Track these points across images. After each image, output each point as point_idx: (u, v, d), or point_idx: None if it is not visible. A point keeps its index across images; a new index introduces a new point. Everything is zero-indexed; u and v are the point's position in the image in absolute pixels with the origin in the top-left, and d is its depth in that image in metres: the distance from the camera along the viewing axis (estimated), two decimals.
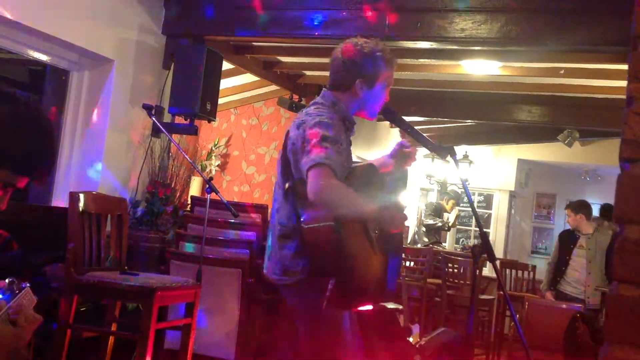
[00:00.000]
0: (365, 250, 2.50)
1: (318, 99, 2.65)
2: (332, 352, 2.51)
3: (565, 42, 4.22)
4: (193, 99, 4.80)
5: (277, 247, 2.54)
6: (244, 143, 7.95)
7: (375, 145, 8.63)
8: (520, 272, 7.60)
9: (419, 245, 8.62)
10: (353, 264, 2.41)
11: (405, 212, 2.72)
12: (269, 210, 3.53)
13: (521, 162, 10.32)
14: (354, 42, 2.62)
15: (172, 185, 5.01)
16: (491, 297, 7.50)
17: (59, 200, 4.69)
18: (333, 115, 2.52)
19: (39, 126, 1.57)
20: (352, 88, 2.59)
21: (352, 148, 2.68)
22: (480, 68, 5.73)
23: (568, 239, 6.52)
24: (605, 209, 6.80)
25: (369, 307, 2.58)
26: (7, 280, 1.72)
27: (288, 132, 2.57)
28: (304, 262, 2.45)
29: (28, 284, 1.77)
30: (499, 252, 9.83)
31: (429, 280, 6.95)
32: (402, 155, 2.76)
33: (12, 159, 1.51)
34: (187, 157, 4.41)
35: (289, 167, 2.52)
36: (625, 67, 1.48)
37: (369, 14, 4.50)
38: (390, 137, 9.03)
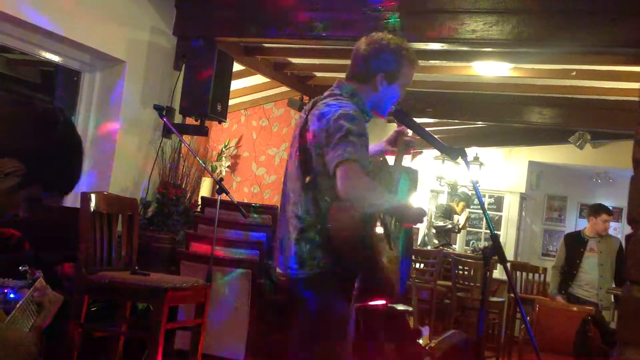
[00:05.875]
0: (384, 245, 2.49)
1: (335, 89, 2.59)
2: (338, 348, 2.49)
3: (576, 44, 4.20)
4: (204, 100, 4.82)
5: (293, 240, 2.47)
6: (254, 144, 7.97)
7: None
8: (531, 275, 7.57)
9: (429, 247, 8.59)
10: (377, 260, 2.39)
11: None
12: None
13: (532, 164, 10.27)
14: (381, 37, 2.58)
15: (183, 186, 5.02)
16: (502, 299, 7.48)
17: (71, 200, 4.71)
18: (354, 107, 2.47)
19: (78, 149, 1.54)
20: (371, 81, 2.55)
21: None
22: (491, 69, 5.71)
23: (576, 242, 6.44)
24: None
25: (383, 302, 2.57)
26: (20, 269, 1.77)
27: (305, 122, 2.50)
28: (322, 256, 2.42)
29: (41, 274, 1.83)
30: (509, 255, 9.79)
31: (439, 282, 6.93)
32: (401, 143, 2.71)
33: (50, 176, 1.50)
34: (197, 158, 4.42)
35: (308, 160, 2.47)
36: (637, 68, 1.47)
37: (380, 15, 4.49)
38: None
